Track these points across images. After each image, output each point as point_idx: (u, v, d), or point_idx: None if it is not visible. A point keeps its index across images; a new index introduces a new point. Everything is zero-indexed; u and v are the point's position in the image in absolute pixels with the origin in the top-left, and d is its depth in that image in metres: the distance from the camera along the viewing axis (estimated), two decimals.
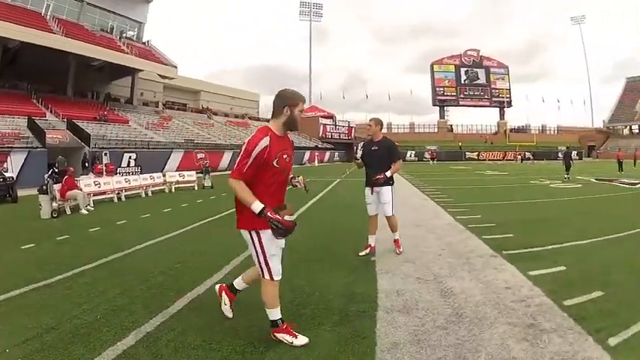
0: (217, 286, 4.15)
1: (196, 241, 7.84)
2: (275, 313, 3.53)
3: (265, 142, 3.25)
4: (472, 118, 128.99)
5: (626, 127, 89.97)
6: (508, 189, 18.54)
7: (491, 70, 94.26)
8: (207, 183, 20.54)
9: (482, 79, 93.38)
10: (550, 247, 6.81)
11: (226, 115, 64.43)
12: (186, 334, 3.67)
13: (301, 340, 3.48)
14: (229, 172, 3.45)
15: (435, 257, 6.42)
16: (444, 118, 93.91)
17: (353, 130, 77.90)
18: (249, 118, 69.06)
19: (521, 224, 9.04)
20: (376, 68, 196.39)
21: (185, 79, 58.99)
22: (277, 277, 3.47)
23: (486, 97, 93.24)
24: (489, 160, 71.19)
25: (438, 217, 10.49)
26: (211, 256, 6.56)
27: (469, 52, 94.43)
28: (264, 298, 3.50)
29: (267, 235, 3.34)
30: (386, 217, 6.54)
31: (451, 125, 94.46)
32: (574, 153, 50.34)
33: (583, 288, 4.70)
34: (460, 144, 78.30)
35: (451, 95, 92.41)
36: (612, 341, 3.45)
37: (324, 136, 71.00)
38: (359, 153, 6.48)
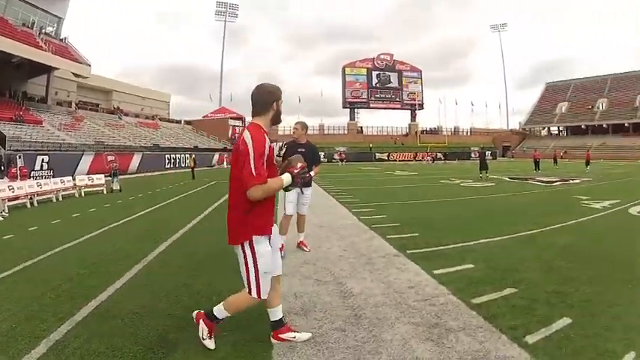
0: (194, 313, 3.85)
1: (102, 246, 7.77)
2: (224, 313, 3.55)
3: (268, 140, 3.27)
4: (384, 121, 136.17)
5: (544, 128, 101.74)
6: (416, 188, 19.10)
7: (404, 73, 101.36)
8: (116, 186, 20.80)
9: (394, 83, 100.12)
10: (458, 245, 6.98)
11: (137, 116, 63.77)
12: (91, 341, 3.73)
13: (304, 335, 3.69)
14: (223, 178, 3.38)
15: (337, 258, 6.42)
16: (354, 120, 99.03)
17: None
18: (160, 119, 68.82)
19: (428, 223, 9.24)
20: (289, 70, 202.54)
21: (98, 77, 57.58)
22: (264, 296, 3.43)
23: (398, 99, 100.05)
24: (400, 160, 74.39)
25: (342, 217, 10.58)
26: (115, 261, 6.56)
27: (382, 56, 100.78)
28: (236, 305, 3.53)
29: (261, 248, 3.29)
30: (300, 215, 6.91)
31: (361, 127, 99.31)
32: (487, 153, 55.19)
33: (493, 286, 4.81)
34: (370, 145, 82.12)
35: (362, 98, 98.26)
36: (530, 339, 3.50)
37: (233, 137, 71.69)
38: (281, 151, 6.79)
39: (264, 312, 3.90)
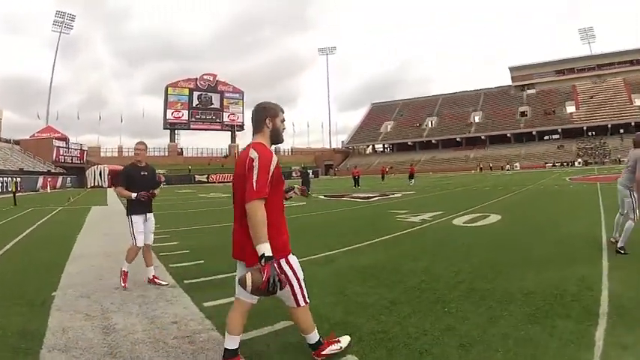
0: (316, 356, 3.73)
1: None
2: (315, 336, 3.67)
3: (275, 158, 3.34)
4: (206, 142, 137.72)
5: (368, 146, 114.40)
6: (224, 211, 19.02)
7: (226, 94, 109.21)
8: None
9: (216, 104, 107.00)
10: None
11: None
12: None
13: (345, 339, 3.85)
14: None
15: (112, 290, 6.20)
16: (174, 141, 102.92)
17: (85, 154, 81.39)
18: None
19: (219, 249, 8.98)
20: (118, 87, 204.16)
21: None
22: (308, 299, 3.65)
23: (218, 121, 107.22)
24: (219, 182, 77.64)
25: None
26: None
27: (205, 77, 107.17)
28: (306, 325, 3.63)
29: (293, 258, 3.57)
30: (148, 246, 6.74)
31: (181, 149, 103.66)
32: (310, 172, 58.33)
33: (266, 319, 4.57)
34: (190, 167, 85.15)
35: (182, 119, 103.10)
36: None
37: (57, 159, 73.35)
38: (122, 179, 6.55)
39: (29, 346, 4.02)
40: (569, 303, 4.75)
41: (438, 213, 13.95)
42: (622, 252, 7.17)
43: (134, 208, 6.57)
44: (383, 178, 47.40)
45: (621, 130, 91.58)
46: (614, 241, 7.74)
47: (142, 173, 6.58)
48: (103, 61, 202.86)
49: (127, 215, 6.62)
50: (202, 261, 7.84)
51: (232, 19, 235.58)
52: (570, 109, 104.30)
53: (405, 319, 4.46)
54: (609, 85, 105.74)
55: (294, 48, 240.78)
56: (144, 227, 6.66)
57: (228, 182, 72.03)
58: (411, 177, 41.05)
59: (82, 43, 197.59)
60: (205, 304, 5.25)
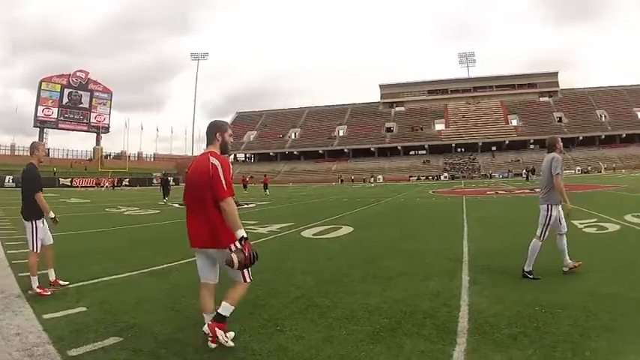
0: (206, 327, 4.23)
1: None
2: (228, 310, 4.18)
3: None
4: (72, 143, 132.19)
5: (230, 155, 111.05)
6: (83, 218, 19.07)
7: (96, 94, 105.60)
8: None
9: (85, 103, 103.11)
10: (86, 282, 6.81)
11: None
12: None
13: (230, 334, 4.22)
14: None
15: None
16: (42, 140, 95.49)
17: None
18: None
19: (72, 257, 8.77)
20: None
21: None
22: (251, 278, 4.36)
23: (85, 121, 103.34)
24: (82, 186, 74.77)
25: None
26: None
27: (78, 73, 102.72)
28: (236, 298, 4.22)
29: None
30: (50, 246, 6.76)
31: (48, 149, 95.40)
32: (171, 179, 57.78)
33: (98, 334, 4.59)
34: (54, 169, 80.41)
35: (52, 117, 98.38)
36: None
37: None
38: None
39: None
40: (420, 320, 4.61)
41: (288, 224, 13.98)
42: (530, 277, 6.46)
43: (38, 212, 6.55)
44: (245, 187, 47.51)
45: (493, 148, 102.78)
46: (566, 269, 6.72)
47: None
48: None
49: (28, 220, 6.53)
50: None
51: (115, 16, 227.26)
52: (439, 126, 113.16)
53: (235, 338, 4.28)
54: (484, 106, 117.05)
55: (170, 51, 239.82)
56: (43, 230, 6.64)
57: (91, 187, 72.70)
58: (266, 187, 42.98)
59: None
60: (45, 317, 5.20)
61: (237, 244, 3.95)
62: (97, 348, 4.21)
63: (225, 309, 4.15)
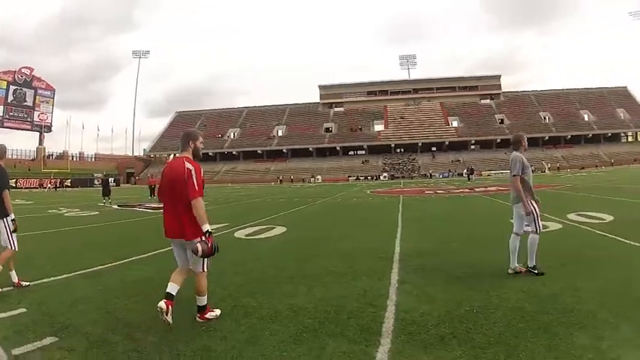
0: (163, 303, 4.74)
1: None
2: (205, 300, 5.01)
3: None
4: (15, 142, 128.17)
5: (170, 155, 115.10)
6: (22, 220, 17.43)
7: (39, 91, 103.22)
8: None
9: (29, 101, 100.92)
10: (26, 284, 6.84)
11: None
12: None
13: (217, 310, 5.12)
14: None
15: None
16: None
17: None
18: None
19: (18, 258, 8.22)
20: None
21: None
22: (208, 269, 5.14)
23: (29, 120, 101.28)
24: (26, 188, 75.51)
25: None
26: None
27: (23, 70, 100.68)
28: (202, 288, 4.98)
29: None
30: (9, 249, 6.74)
31: None
32: (111, 180, 61.61)
33: (37, 334, 4.69)
34: None
35: None
36: None
37: None
38: None
39: None
40: (344, 320, 4.65)
41: (222, 225, 13.85)
42: (535, 272, 6.45)
43: (3, 209, 6.73)
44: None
45: (434, 148, 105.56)
46: (511, 272, 6.63)
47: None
48: None
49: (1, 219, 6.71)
50: None
51: (59, 13, 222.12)
52: (378, 127, 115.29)
53: (162, 338, 4.44)
54: (424, 108, 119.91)
55: (111, 49, 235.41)
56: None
57: (35, 188, 73.38)
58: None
59: None
60: None
61: (203, 237, 4.64)
62: (36, 347, 4.33)
63: (201, 300, 4.97)
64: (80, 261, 8.64)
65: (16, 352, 4.22)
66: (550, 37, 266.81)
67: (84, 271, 7.80)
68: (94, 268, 8.00)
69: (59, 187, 72.02)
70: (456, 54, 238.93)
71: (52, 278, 7.33)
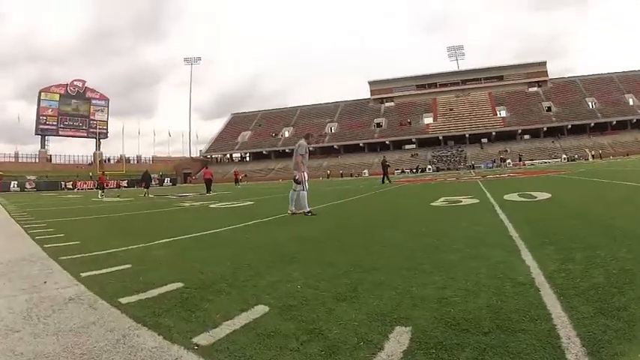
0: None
1: None
2: None
3: None
4: (72, 149, 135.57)
5: (225, 155, 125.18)
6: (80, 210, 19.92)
7: (93, 101, 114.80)
8: None
9: (83, 111, 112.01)
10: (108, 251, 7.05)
11: None
12: None
13: None
14: None
15: None
16: (44, 147, 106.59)
17: None
18: None
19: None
20: None
21: None
22: None
23: (85, 128, 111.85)
24: (79, 189, 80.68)
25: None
26: None
27: (75, 82, 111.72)
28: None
29: None
30: None
31: (50, 155, 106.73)
32: (167, 179, 76.91)
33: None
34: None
35: (52, 125, 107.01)
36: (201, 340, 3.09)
37: None
38: None
39: None
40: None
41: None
42: (310, 214, 10.56)
43: None
44: (237, 182, 52.31)
45: (484, 140, 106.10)
46: (290, 213, 11.13)
47: None
48: None
49: None
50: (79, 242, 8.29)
51: (94, 25, 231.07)
52: (428, 120, 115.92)
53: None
54: (473, 99, 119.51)
55: (157, 58, 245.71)
56: None
57: (90, 190, 73.58)
58: (237, 181, 49.34)
59: None
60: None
61: None
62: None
63: None
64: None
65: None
66: (589, 19, 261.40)
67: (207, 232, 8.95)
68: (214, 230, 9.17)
69: (115, 188, 76.01)
70: (499, 41, 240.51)
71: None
